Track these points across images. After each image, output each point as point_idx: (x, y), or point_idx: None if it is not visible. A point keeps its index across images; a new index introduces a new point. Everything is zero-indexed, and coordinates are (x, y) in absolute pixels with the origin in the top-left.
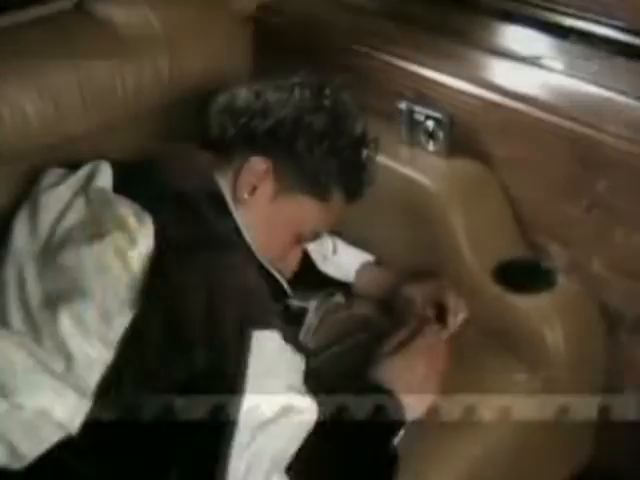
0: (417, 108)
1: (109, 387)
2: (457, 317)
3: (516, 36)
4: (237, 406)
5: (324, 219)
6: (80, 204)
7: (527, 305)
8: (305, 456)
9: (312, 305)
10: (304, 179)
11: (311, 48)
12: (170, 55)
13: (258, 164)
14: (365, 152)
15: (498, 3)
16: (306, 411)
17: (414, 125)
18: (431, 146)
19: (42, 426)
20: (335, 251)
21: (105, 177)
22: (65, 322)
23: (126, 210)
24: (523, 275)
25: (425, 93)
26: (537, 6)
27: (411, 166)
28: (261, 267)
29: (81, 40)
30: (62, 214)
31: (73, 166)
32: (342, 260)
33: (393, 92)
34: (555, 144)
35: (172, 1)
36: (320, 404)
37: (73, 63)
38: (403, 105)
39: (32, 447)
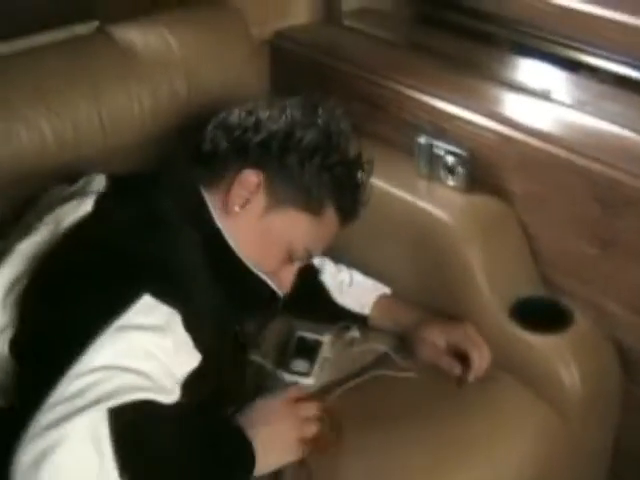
0: (436, 142)
1: None
2: (483, 362)
3: (528, 69)
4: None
5: (317, 236)
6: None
7: (543, 344)
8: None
9: (327, 338)
10: (296, 192)
11: (327, 76)
12: (187, 78)
13: (250, 176)
14: (359, 171)
15: (510, 35)
16: None
17: (433, 159)
18: (450, 181)
19: None
20: (352, 283)
21: (96, 185)
22: None
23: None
24: (540, 314)
25: (444, 127)
26: (548, 40)
27: (430, 200)
28: (247, 271)
29: (100, 62)
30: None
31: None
32: (358, 292)
33: (410, 125)
34: (572, 181)
35: (190, 25)
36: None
37: (91, 85)
38: (422, 139)
39: None
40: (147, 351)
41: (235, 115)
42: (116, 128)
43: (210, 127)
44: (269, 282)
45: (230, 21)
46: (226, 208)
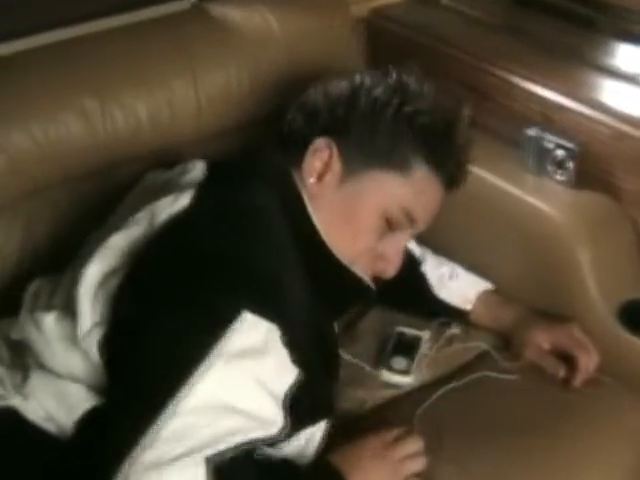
0: (546, 136)
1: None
2: (590, 365)
3: (634, 56)
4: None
5: (412, 197)
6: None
7: None
8: None
9: (426, 334)
10: (373, 151)
11: (425, 57)
12: (288, 56)
13: (319, 145)
14: (449, 120)
15: (614, 21)
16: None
17: (542, 153)
18: (559, 176)
19: (74, 393)
20: (453, 276)
21: (195, 174)
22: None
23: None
24: None
25: (554, 119)
26: None
27: (537, 195)
28: (339, 266)
29: (197, 41)
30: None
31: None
32: (460, 286)
33: (518, 116)
34: None
35: (289, 3)
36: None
37: (188, 64)
38: (532, 132)
39: (68, 415)
40: (250, 381)
41: (307, 93)
42: (213, 109)
43: (291, 109)
44: (363, 277)
45: None
46: (308, 191)
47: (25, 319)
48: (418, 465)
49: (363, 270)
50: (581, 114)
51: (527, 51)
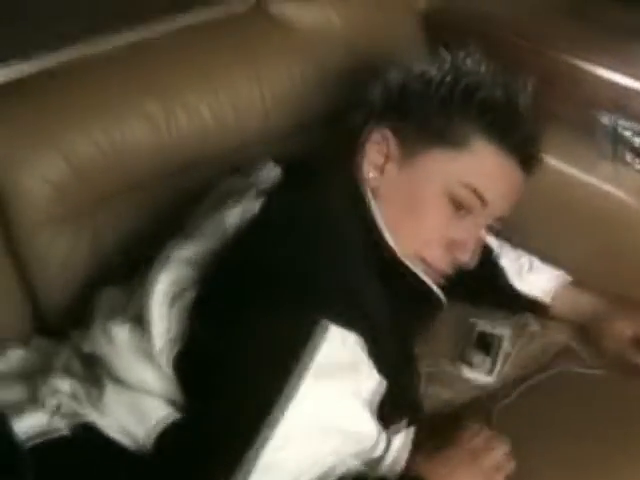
0: (621, 122)
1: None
2: None
3: None
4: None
5: (476, 172)
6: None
7: None
8: None
9: (507, 332)
10: (428, 131)
11: (489, 48)
12: (351, 53)
13: (376, 137)
14: (507, 89)
15: None
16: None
17: (618, 140)
18: (637, 164)
19: (148, 405)
20: (531, 269)
21: (267, 180)
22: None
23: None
24: None
25: (627, 105)
26: None
27: (617, 185)
28: (407, 271)
29: (260, 41)
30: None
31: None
32: (539, 278)
33: (588, 102)
34: None
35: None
36: None
37: (252, 64)
38: (605, 119)
39: (142, 428)
40: (347, 397)
41: (369, 87)
42: (279, 109)
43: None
44: (433, 286)
45: None
46: (370, 185)
47: (97, 331)
48: (507, 471)
49: (438, 261)
50: None
51: (592, 34)
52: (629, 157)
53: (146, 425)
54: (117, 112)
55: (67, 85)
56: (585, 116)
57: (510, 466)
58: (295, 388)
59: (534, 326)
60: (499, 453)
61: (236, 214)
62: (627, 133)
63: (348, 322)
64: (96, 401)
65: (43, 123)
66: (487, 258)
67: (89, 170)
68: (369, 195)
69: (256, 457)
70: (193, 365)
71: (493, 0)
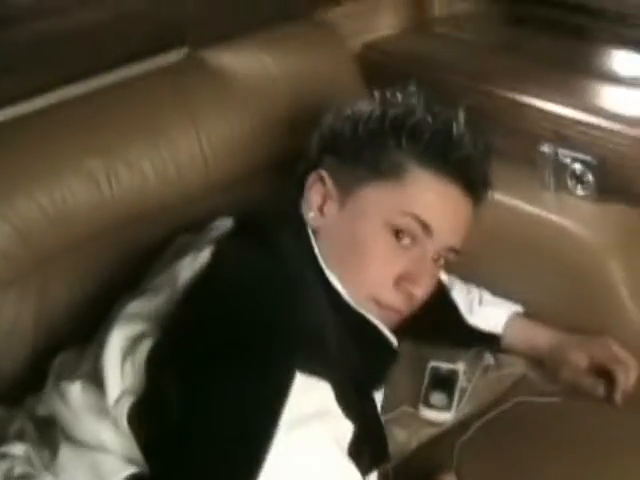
0: (561, 151)
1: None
2: (630, 378)
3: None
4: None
5: (411, 200)
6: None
7: None
8: None
9: (461, 366)
10: (361, 166)
11: (427, 87)
12: (288, 99)
13: (312, 179)
14: (434, 116)
15: (610, 27)
16: None
17: (559, 169)
18: (580, 190)
19: (106, 464)
20: (481, 302)
21: (219, 232)
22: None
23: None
24: None
25: (567, 134)
26: None
27: (560, 213)
28: (356, 317)
29: (197, 91)
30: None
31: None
32: (489, 311)
33: (529, 134)
34: None
35: (285, 43)
36: None
37: (189, 116)
38: (545, 148)
39: None
40: (327, 444)
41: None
42: (220, 161)
43: None
44: (385, 332)
45: (323, 35)
46: (312, 226)
47: (50, 392)
48: None
49: (392, 301)
50: (594, 126)
51: (528, 68)
52: (570, 184)
53: None
54: (58, 171)
55: (6, 146)
56: (527, 148)
57: None
58: (268, 443)
59: (489, 359)
60: None
61: (186, 265)
62: (567, 160)
63: (314, 370)
64: (49, 463)
65: None
66: (440, 293)
67: (30, 230)
68: (311, 238)
69: None
70: (149, 417)
71: (428, 41)
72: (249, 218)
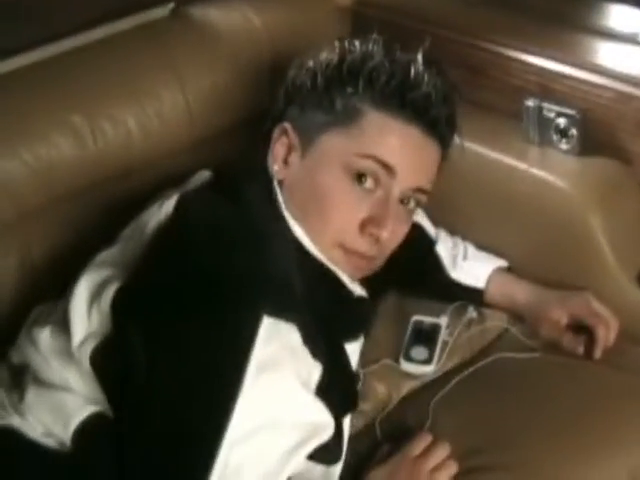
0: (546, 104)
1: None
2: (609, 335)
3: (630, 16)
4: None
5: (369, 142)
6: None
7: None
8: None
9: (444, 320)
10: (318, 114)
11: (417, 42)
12: (272, 53)
13: (276, 133)
14: (390, 60)
15: None
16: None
17: (543, 123)
18: (563, 145)
19: (69, 403)
20: (466, 257)
21: (193, 185)
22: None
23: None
24: None
25: (553, 88)
26: None
27: (543, 167)
28: (320, 266)
29: (181, 47)
30: None
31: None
32: (473, 266)
33: (515, 88)
34: None
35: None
36: None
37: (173, 71)
38: (530, 102)
39: (61, 424)
40: (294, 387)
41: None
42: (204, 114)
43: None
44: (344, 280)
45: None
46: (277, 178)
47: (24, 339)
48: (450, 470)
49: (358, 245)
50: (580, 80)
51: (518, 22)
52: (555, 138)
53: (69, 424)
54: (41, 127)
55: None
56: (512, 102)
57: (452, 467)
58: (239, 385)
59: (472, 313)
60: (439, 454)
61: (152, 214)
62: (551, 114)
63: (281, 314)
64: (17, 404)
65: None
66: (425, 245)
67: (15, 184)
68: (276, 189)
69: (212, 458)
70: (112, 359)
71: None
72: (223, 172)
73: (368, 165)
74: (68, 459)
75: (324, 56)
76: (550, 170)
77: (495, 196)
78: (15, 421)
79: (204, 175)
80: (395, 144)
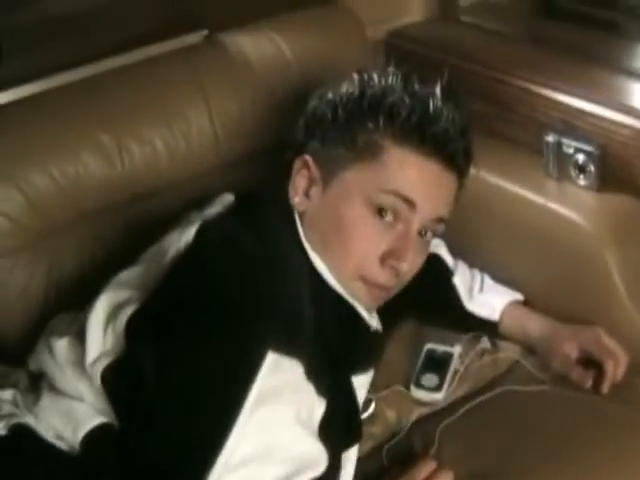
0: (565, 140)
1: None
2: (618, 370)
3: None
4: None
5: (391, 177)
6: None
7: None
8: None
9: (457, 350)
10: (340, 149)
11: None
12: (302, 83)
13: (297, 165)
14: (411, 94)
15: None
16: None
17: (562, 158)
18: (581, 180)
19: (79, 411)
20: (482, 289)
21: (216, 209)
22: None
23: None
24: None
25: (573, 124)
26: None
27: (561, 202)
28: (336, 297)
29: (211, 73)
30: None
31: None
32: (489, 298)
33: (538, 123)
34: None
35: (302, 28)
36: None
37: (203, 95)
38: (550, 137)
39: (70, 429)
40: (289, 422)
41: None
42: (230, 139)
43: None
44: (355, 305)
45: (343, 21)
46: (297, 210)
47: (42, 347)
48: None
49: (377, 276)
50: (599, 116)
51: (547, 59)
52: (573, 173)
53: (78, 431)
54: (71, 145)
55: (23, 120)
56: (535, 138)
57: None
58: (236, 415)
59: (485, 343)
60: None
61: (173, 240)
62: (570, 150)
63: (286, 349)
64: (32, 406)
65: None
66: (442, 275)
67: (43, 201)
68: (297, 220)
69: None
70: (123, 379)
71: (453, 29)
72: (245, 199)
73: (390, 200)
74: (77, 463)
75: (344, 88)
76: (567, 204)
77: (513, 229)
78: (29, 419)
79: (226, 199)
80: (416, 179)
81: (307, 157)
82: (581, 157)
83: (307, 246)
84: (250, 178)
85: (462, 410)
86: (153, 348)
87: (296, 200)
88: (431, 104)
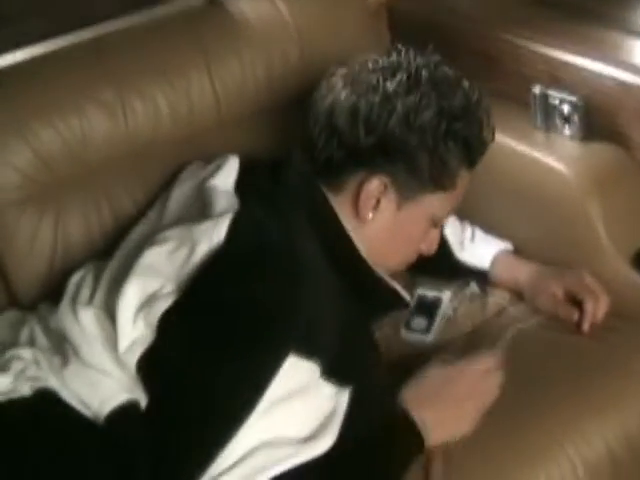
0: (551, 92)
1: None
2: (598, 310)
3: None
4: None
5: (455, 201)
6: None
7: None
8: None
9: (446, 295)
10: (424, 179)
11: (443, 34)
12: (301, 45)
13: (375, 185)
14: (476, 116)
15: None
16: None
17: (548, 110)
18: (566, 130)
19: (105, 385)
20: (473, 239)
21: (228, 173)
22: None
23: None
24: None
25: (559, 77)
26: None
27: (546, 151)
28: (379, 280)
29: (212, 34)
30: (180, 208)
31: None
32: (479, 248)
33: (526, 77)
34: None
35: None
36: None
37: (204, 57)
38: (537, 89)
39: (97, 401)
40: (298, 416)
41: (341, 109)
42: (230, 99)
43: (317, 124)
44: (398, 289)
45: None
46: (357, 216)
47: (65, 310)
48: (497, 378)
49: (406, 262)
50: (583, 68)
51: (537, 15)
52: (559, 124)
53: (101, 399)
54: (75, 100)
55: (32, 77)
56: (522, 90)
57: (499, 374)
58: (246, 416)
59: (473, 288)
60: (485, 363)
61: (204, 233)
62: (556, 101)
63: (306, 352)
64: (58, 370)
65: (9, 113)
66: None
67: (50, 155)
68: (342, 219)
69: (201, 470)
70: (153, 369)
71: None
72: (257, 178)
73: (446, 216)
74: (101, 434)
75: (427, 114)
76: (552, 155)
77: (500, 179)
78: (53, 383)
79: (232, 165)
80: (463, 194)
81: (386, 180)
82: (566, 108)
83: (357, 241)
84: (249, 138)
85: (450, 351)
86: (182, 345)
87: (369, 217)
88: (484, 127)
